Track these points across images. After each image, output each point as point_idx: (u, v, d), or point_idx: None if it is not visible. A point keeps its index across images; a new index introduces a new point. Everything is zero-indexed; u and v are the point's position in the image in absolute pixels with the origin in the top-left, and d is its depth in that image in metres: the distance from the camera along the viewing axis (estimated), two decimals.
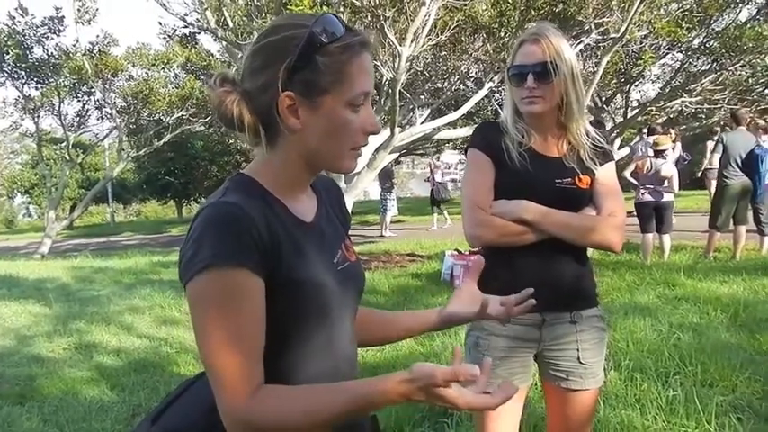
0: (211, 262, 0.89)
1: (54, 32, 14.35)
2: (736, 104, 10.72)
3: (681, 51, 11.10)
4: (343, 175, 8.66)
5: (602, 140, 1.77)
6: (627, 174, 6.93)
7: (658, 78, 13.63)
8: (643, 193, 6.83)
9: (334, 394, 0.90)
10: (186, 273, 0.91)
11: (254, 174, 1.02)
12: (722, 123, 11.31)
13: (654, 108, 11.63)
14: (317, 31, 0.94)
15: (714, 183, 10.85)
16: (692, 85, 11.12)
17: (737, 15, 10.41)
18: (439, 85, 10.90)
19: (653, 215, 6.87)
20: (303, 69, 0.94)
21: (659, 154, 6.88)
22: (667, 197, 6.94)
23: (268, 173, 1.02)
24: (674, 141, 10.09)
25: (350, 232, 1.24)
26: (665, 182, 6.76)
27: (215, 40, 10.12)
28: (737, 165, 6.76)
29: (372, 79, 1.00)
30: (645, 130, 10.26)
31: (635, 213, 7.02)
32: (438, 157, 14.63)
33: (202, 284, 0.90)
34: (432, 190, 13.60)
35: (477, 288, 1.24)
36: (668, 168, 6.80)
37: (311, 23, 0.94)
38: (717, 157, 7.04)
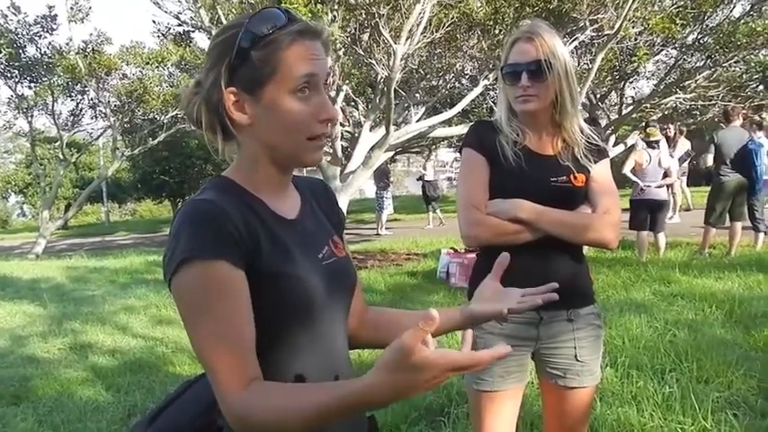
0: (189, 255, 0.89)
1: (47, 31, 14.27)
2: (730, 101, 10.73)
3: (675, 48, 11.09)
4: (338, 174, 8.67)
5: (596, 138, 1.77)
6: (627, 171, 6.88)
7: (653, 75, 13.62)
8: (643, 190, 6.80)
9: (326, 392, 0.88)
10: (168, 269, 0.92)
11: (232, 175, 1.04)
12: (716, 120, 11.34)
13: (648, 105, 11.63)
14: (252, 27, 0.96)
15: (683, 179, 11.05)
16: (687, 82, 11.12)
17: (731, 11, 10.42)
18: (434, 83, 10.87)
19: (647, 214, 6.85)
20: (242, 65, 0.96)
21: (653, 145, 6.88)
22: (664, 195, 6.96)
23: (242, 173, 1.04)
24: (674, 137, 10.13)
25: (345, 231, 1.23)
26: (664, 175, 6.79)
27: (209, 38, 10.08)
28: (731, 161, 6.77)
29: (320, 64, 0.98)
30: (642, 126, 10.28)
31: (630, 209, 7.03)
32: (428, 156, 14.62)
33: (184, 279, 0.90)
34: (423, 188, 13.63)
35: (500, 285, 1.22)
36: (666, 159, 6.83)
37: (248, 20, 0.97)
38: (710, 156, 7.05)
